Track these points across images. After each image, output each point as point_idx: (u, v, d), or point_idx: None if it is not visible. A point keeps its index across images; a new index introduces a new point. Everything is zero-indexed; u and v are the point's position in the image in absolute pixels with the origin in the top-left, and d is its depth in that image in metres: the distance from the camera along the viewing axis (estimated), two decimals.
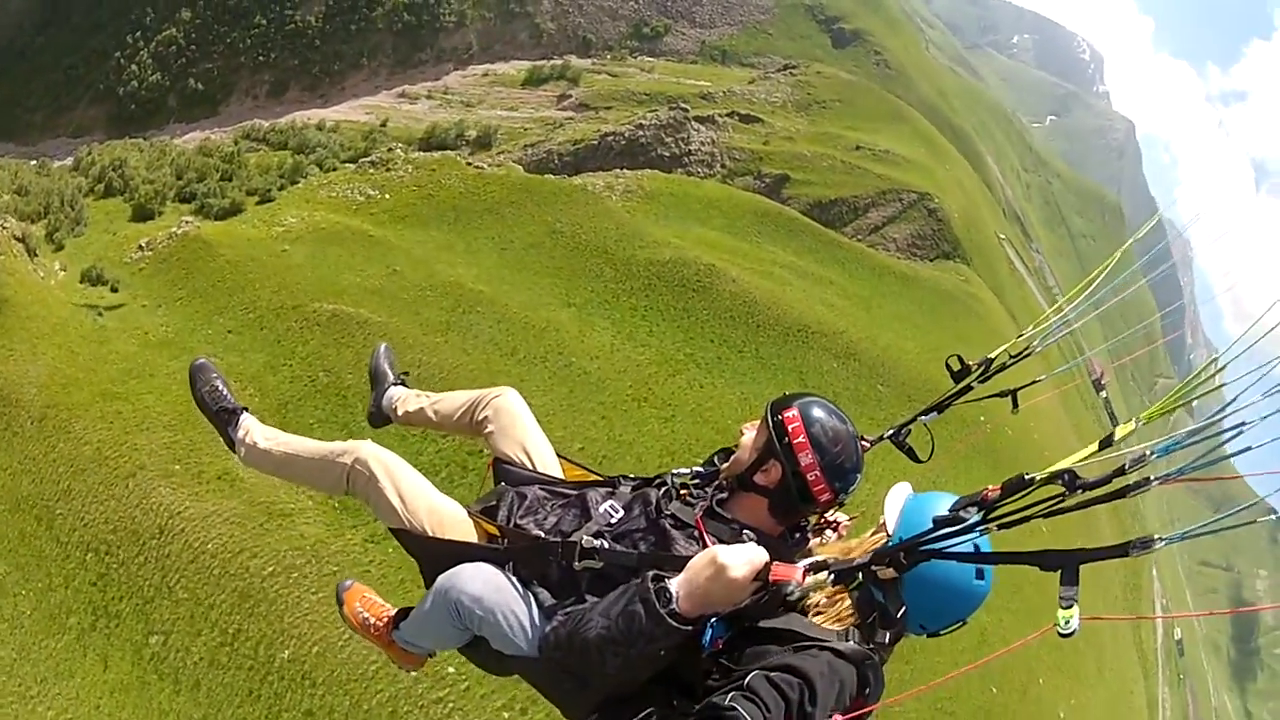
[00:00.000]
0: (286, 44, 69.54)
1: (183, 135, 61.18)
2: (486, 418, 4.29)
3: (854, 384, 28.54)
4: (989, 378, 4.68)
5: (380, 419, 4.86)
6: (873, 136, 60.50)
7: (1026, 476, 2.52)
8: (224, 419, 4.50)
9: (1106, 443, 2.70)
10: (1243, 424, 2.36)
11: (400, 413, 4.73)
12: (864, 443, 4.00)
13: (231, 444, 4.48)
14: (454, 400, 4.48)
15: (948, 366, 4.73)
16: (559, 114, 63.92)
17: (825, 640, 2.89)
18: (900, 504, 3.26)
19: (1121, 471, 2.41)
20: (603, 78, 70.34)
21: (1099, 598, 38.91)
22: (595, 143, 54.24)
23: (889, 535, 3.18)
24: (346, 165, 42.69)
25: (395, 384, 4.89)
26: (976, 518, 2.58)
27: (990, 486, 2.63)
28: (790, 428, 3.38)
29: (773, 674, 2.75)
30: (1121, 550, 2.33)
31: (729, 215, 42.06)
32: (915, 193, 52.98)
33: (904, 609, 2.93)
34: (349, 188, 35.56)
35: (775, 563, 2.85)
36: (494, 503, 3.89)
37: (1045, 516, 2.47)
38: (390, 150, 38.88)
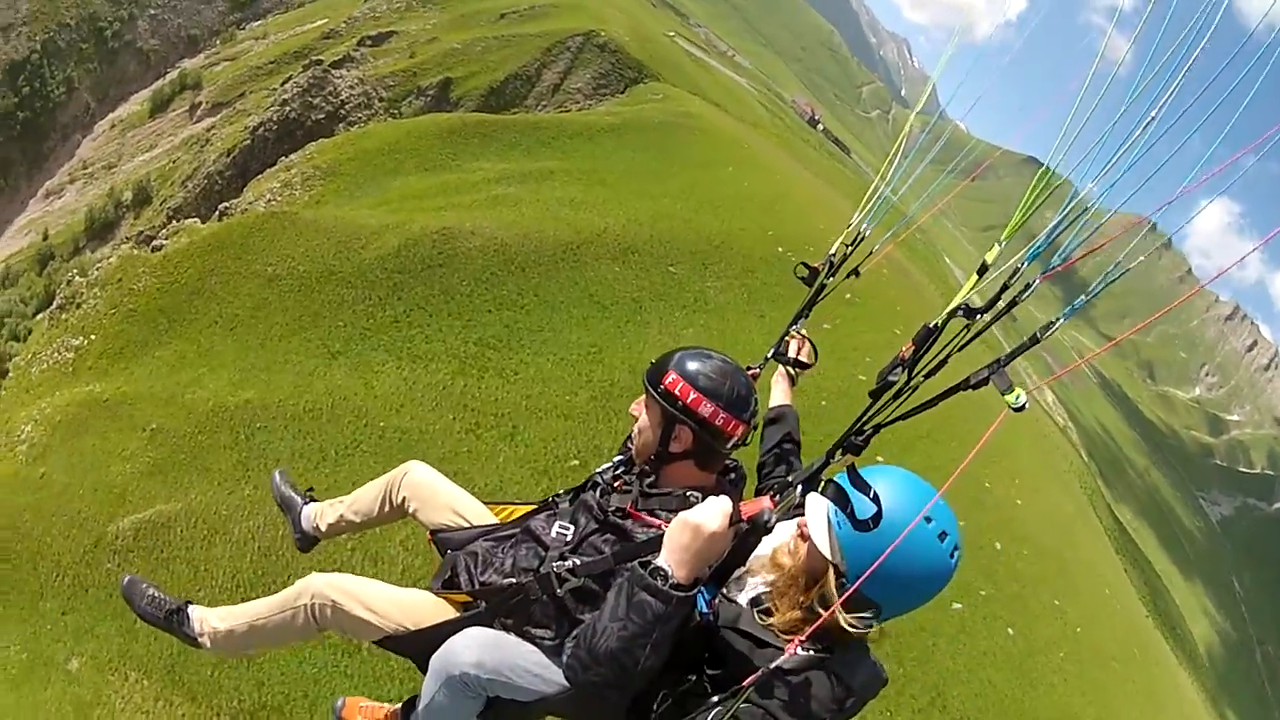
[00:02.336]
0: None
1: None
2: (405, 498, 4.32)
3: (647, 279, 27.39)
4: (835, 271, 4.92)
5: (308, 542, 4.83)
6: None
7: (930, 325, 2.83)
8: (174, 622, 4.28)
9: (982, 270, 2.95)
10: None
11: (324, 528, 4.72)
12: (753, 370, 4.38)
13: (193, 642, 4.27)
14: (367, 495, 4.48)
15: (797, 275, 5.02)
16: (198, 127, 58.64)
17: (772, 662, 2.87)
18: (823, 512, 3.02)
19: (1006, 287, 2.79)
20: (222, 68, 65.15)
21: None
22: (248, 143, 50.06)
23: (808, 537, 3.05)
24: (38, 319, 39.50)
25: (306, 503, 4.85)
26: (903, 377, 2.86)
27: (904, 347, 2.88)
28: (678, 390, 3.50)
29: (741, 706, 2.85)
30: (1031, 341, 2.66)
31: (416, 152, 39.41)
32: (579, 35, 51.45)
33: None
34: (54, 350, 31.52)
35: (741, 503, 2.97)
36: (449, 572, 3.91)
37: (962, 349, 2.84)
38: (69, 283, 34.43)
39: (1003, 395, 2.62)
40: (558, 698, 3.39)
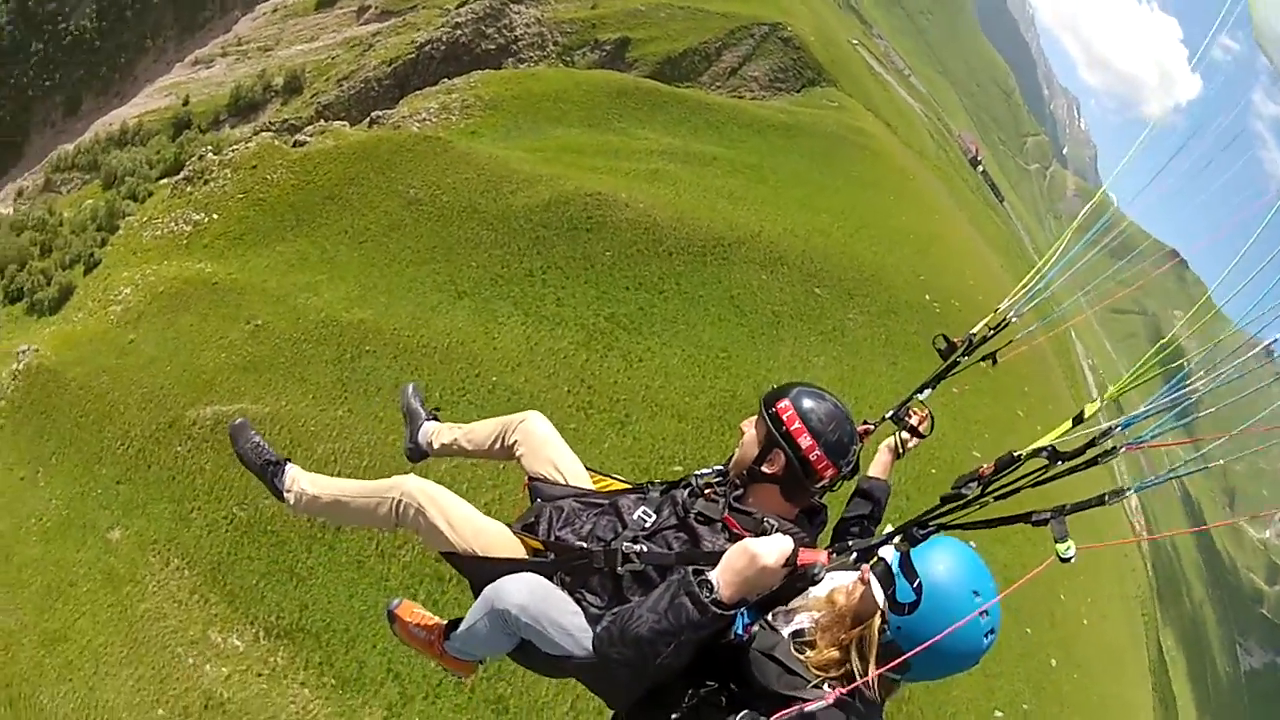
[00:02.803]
0: (68, 57, 63.69)
1: None
2: (516, 441, 4.45)
3: (791, 294, 25.63)
4: (973, 350, 4.86)
5: (418, 454, 5.00)
6: None
7: (1014, 454, 2.98)
8: (269, 472, 4.56)
9: (1078, 420, 3.16)
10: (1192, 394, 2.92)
11: (436, 446, 4.88)
12: (868, 425, 4.55)
13: (279, 494, 4.52)
14: (483, 429, 4.63)
15: (935, 347, 4.96)
16: (362, 30, 57.58)
17: (797, 691, 2.98)
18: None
19: (1094, 444, 2.89)
20: None
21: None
22: (413, 56, 48.79)
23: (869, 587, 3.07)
24: (161, 184, 39.09)
25: (428, 419, 5.00)
26: (976, 492, 3.00)
27: (985, 465, 3.04)
28: (785, 417, 3.62)
29: None
30: (1099, 500, 2.80)
31: (583, 105, 38.08)
32: (765, 24, 49.68)
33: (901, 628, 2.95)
34: (171, 220, 30.51)
35: (802, 548, 3.12)
36: (533, 519, 4.02)
37: (1034, 486, 2.96)
38: (201, 158, 33.34)
39: (1055, 542, 2.73)
40: (579, 662, 3.48)
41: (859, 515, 4.50)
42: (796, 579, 3.15)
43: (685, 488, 3.89)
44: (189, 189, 32.14)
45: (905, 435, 4.71)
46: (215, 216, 29.76)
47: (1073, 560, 2.68)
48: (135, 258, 30.59)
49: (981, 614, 2.89)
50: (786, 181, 34.02)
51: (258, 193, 29.70)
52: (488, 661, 4.18)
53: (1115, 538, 44.62)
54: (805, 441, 3.57)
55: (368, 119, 39.40)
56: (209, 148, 36.62)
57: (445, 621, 4.29)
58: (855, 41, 67.06)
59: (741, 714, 3.00)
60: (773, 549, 3.02)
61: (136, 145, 53.30)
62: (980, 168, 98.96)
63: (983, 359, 4.88)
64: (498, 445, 4.56)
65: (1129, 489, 2.88)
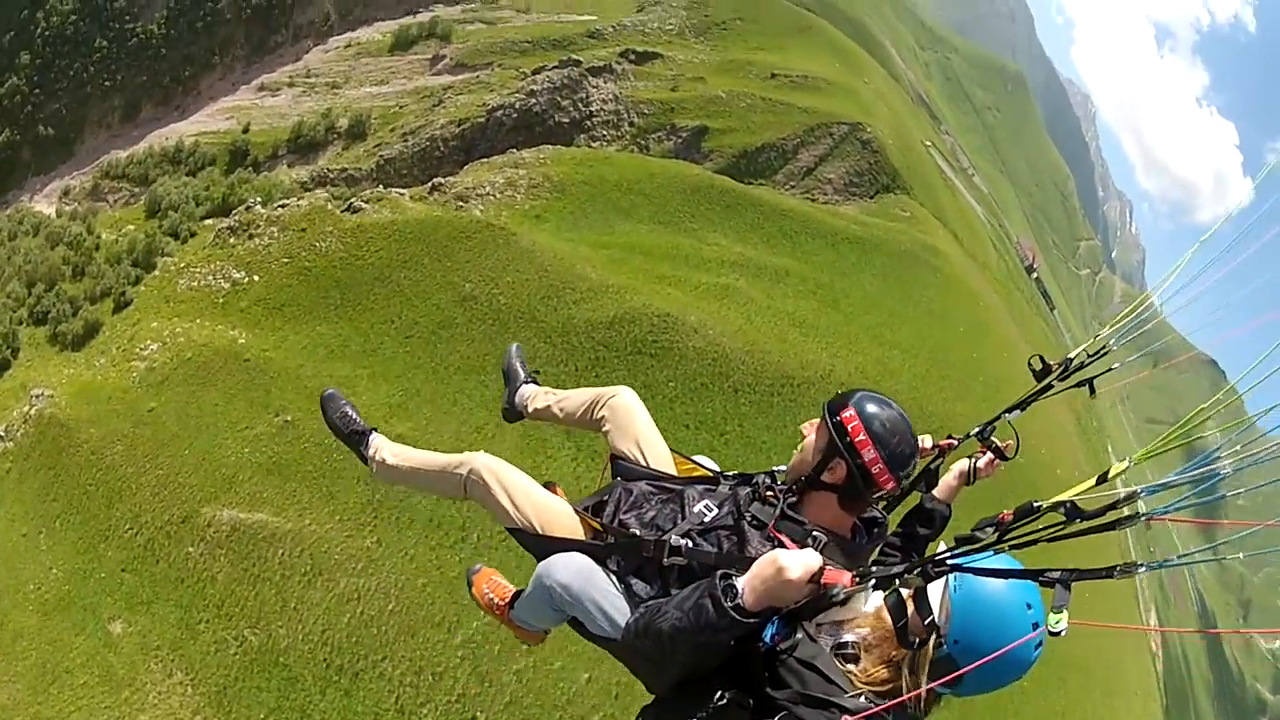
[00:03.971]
0: (131, 60, 62.61)
1: (43, 189, 57.03)
2: (604, 417, 4.48)
3: None
4: (1068, 375, 4.74)
5: (514, 414, 5.05)
6: (784, 57, 55.51)
7: (1034, 504, 2.99)
8: (356, 440, 4.79)
9: (1103, 479, 3.12)
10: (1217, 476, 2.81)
11: (530, 409, 4.92)
12: (951, 440, 4.61)
13: (363, 459, 4.77)
14: (577, 399, 4.65)
15: (1030, 367, 4.81)
16: (434, 81, 56.45)
17: (833, 698, 2.99)
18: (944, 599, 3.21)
19: (1114, 506, 2.80)
20: (476, 28, 62.62)
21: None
22: (483, 120, 47.45)
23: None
24: (206, 224, 38.03)
25: (526, 382, 5.07)
26: (993, 538, 2.98)
27: (1005, 511, 3.12)
28: (850, 427, 3.53)
29: None
30: (1108, 572, 2.69)
31: (655, 199, 36.54)
32: (845, 124, 48.50)
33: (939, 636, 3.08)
34: (210, 272, 29.07)
35: (827, 568, 3.05)
36: (604, 498, 4.06)
37: (1049, 541, 2.91)
38: (249, 209, 31.95)
39: (1050, 610, 2.68)
40: (614, 644, 3.57)
41: (911, 534, 4.46)
42: (820, 597, 3.10)
43: (752, 487, 3.86)
44: (232, 240, 30.76)
45: (981, 464, 4.60)
46: (256, 278, 28.27)
47: (1062, 634, 2.66)
48: (167, 306, 29.26)
49: (1034, 627, 3.02)
50: (859, 307, 32.37)
51: (303, 260, 28.18)
52: (552, 631, 4.26)
53: (1133, 650, 43.29)
54: (869, 454, 3.51)
55: (429, 184, 38.05)
56: (257, 198, 35.22)
57: (515, 591, 4.40)
58: (929, 144, 65.81)
59: (779, 716, 3.00)
60: (798, 563, 3.02)
61: (188, 167, 52.34)
62: (1035, 275, 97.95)
63: (1079, 384, 4.77)
64: (587, 417, 4.56)
65: (1141, 565, 2.72)
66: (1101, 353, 4.76)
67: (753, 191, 39.17)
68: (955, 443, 4.56)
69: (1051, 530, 2.89)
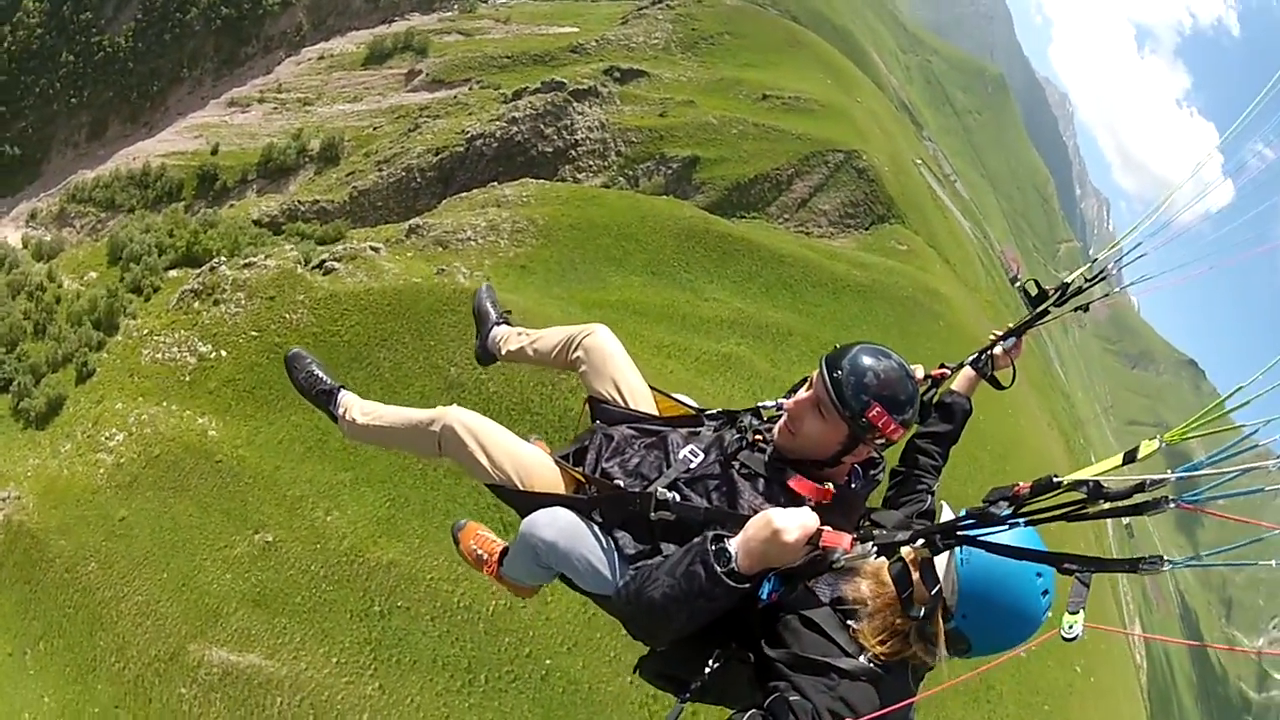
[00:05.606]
0: (98, 75, 60.64)
1: (9, 212, 55.28)
2: (579, 357, 4.34)
3: None
4: (1065, 301, 4.74)
5: (487, 357, 4.96)
6: (775, 74, 53.94)
7: (1054, 479, 2.65)
8: (324, 400, 4.60)
9: (1130, 457, 2.76)
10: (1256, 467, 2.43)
11: (504, 352, 4.82)
12: (944, 369, 4.52)
13: (333, 419, 4.57)
14: (551, 338, 4.54)
15: (1025, 291, 4.85)
16: (409, 99, 53.95)
17: (831, 659, 2.92)
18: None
19: (1142, 488, 2.50)
20: (453, 39, 60.18)
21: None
22: (462, 149, 45.00)
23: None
24: (170, 277, 36.82)
25: (498, 323, 4.95)
26: (1007, 511, 2.68)
27: (1021, 483, 2.73)
28: (881, 423, 3.36)
29: (793, 699, 2.83)
30: (1131, 565, 2.44)
31: (648, 246, 34.62)
32: (840, 151, 46.82)
33: (944, 605, 2.95)
34: (174, 343, 26.90)
35: (826, 529, 2.92)
36: (585, 444, 3.93)
37: (1067, 520, 2.64)
38: (214, 269, 29.64)
39: (1066, 613, 2.53)
40: (606, 600, 3.44)
41: (934, 432, 4.32)
42: (816, 560, 2.95)
43: (738, 429, 3.68)
44: (197, 305, 28.53)
45: (998, 351, 4.55)
46: (224, 354, 26.10)
47: (1077, 639, 2.46)
48: (131, 383, 27.10)
49: (1042, 588, 2.95)
50: None
51: (273, 334, 25.98)
52: (544, 587, 4.09)
53: (1119, 658, 42.57)
54: (874, 412, 3.33)
55: (407, 225, 35.85)
56: (222, 256, 32.98)
57: (504, 546, 4.30)
58: (918, 161, 64.36)
59: (773, 696, 2.87)
60: (795, 524, 2.88)
61: (155, 192, 50.76)
62: (1017, 285, 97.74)
63: (1075, 309, 4.77)
64: (562, 357, 4.43)
65: (1166, 561, 2.44)
66: (1099, 277, 4.81)
67: (749, 235, 37.34)
68: (948, 371, 4.50)
69: (1070, 509, 2.58)
